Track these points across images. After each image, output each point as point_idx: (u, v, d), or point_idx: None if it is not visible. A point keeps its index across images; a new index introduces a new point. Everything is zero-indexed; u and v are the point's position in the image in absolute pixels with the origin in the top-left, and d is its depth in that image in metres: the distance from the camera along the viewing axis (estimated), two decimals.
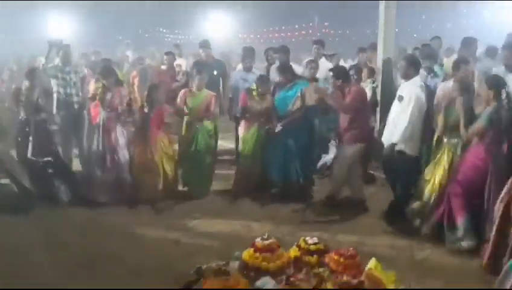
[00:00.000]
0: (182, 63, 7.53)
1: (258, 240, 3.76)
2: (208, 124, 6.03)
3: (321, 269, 3.48)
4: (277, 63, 6.86)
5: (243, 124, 6.14)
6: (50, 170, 5.68)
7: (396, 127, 5.04)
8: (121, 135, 5.78)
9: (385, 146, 5.22)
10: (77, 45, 16.13)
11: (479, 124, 4.44)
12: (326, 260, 3.69)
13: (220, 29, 21.04)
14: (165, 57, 7.30)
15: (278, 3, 17.98)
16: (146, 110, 5.75)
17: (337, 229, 5.03)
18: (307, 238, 3.93)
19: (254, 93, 6.02)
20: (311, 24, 18.81)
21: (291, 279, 3.48)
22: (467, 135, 4.54)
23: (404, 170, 5.13)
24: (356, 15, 16.83)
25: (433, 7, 13.12)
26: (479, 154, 4.46)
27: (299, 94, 5.80)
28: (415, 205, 4.99)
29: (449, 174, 4.77)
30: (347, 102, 5.42)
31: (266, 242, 3.72)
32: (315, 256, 3.76)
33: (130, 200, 5.64)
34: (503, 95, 4.34)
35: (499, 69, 5.43)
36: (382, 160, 5.48)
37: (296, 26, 19.45)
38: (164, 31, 27.18)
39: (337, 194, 5.77)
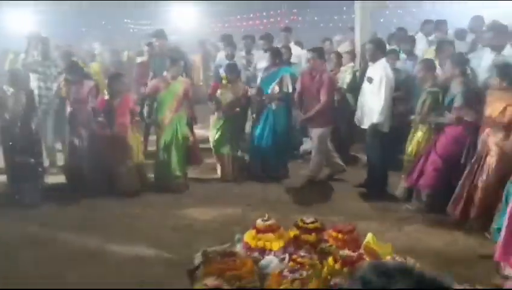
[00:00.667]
0: None
1: (259, 222, 3.90)
2: (184, 113, 6.04)
3: (327, 245, 3.65)
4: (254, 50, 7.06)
5: (215, 113, 6.25)
6: (27, 172, 5.49)
7: (371, 109, 5.30)
8: (85, 128, 5.72)
9: (367, 128, 5.45)
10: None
11: (457, 103, 4.72)
12: (325, 236, 3.88)
13: (187, 19, 20.86)
14: (146, 48, 7.26)
15: None
16: (106, 98, 5.84)
17: (325, 209, 5.25)
18: (304, 217, 4.10)
19: (224, 81, 6.18)
20: (279, 11, 18.88)
21: (294, 256, 3.63)
22: (452, 116, 4.80)
23: (382, 147, 5.43)
24: (324, 2, 17.02)
25: None
26: (458, 129, 4.79)
27: (278, 80, 6.02)
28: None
29: (423, 146, 5.15)
30: (325, 99, 5.73)
31: (267, 223, 3.87)
32: (313, 234, 3.93)
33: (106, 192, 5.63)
34: (468, 71, 4.74)
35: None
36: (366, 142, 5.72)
37: (264, 13, 19.47)
38: (129, 21, 26.63)
39: (316, 176, 6.05)
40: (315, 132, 5.97)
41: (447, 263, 4.03)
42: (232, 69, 6.26)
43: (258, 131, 6.23)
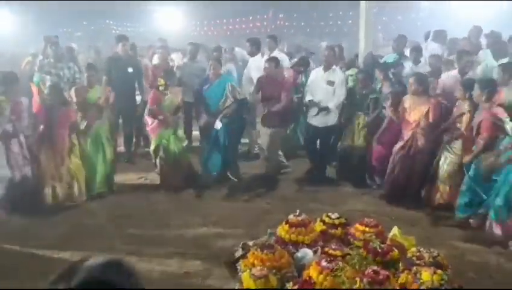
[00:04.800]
0: (176, 58, 7.64)
1: (291, 217, 4.17)
2: (106, 122, 5.91)
3: (372, 237, 3.93)
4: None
5: (156, 121, 6.09)
6: None
7: (330, 109, 6.09)
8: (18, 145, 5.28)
9: (323, 125, 6.17)
10: (21, 38, 15.58)
11: (388, 101, 5.70)
12: (352, 231, 4.18)
13: (171, 21, 20.85)
14: (159, 51, 7.40)
15: None
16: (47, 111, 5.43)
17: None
18: (329, 213, 4.40)
19: (161, 88, 6.04)
20: (265, 16, 19.21)
21: (326, 249, 3.92)
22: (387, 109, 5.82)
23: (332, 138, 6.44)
24: (310, 7, 17.45)
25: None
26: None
27: (228, 90, 6.11)
28: None
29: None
30: (285, 99, 6.21)
31: (299, 218, 4.14)
32: (339, 229, 4.24)
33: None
34: (391, 76, 6.02)
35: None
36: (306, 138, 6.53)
37: (251, 18, 19.77)
38: (111, 22, 26.49)
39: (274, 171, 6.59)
40: (267, 131, 6.32)
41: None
42: (169, 75, 6.21)
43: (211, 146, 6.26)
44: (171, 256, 4.33)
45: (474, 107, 5.04)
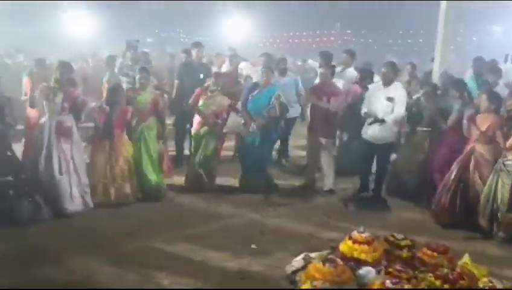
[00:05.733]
0: (245, 67, 7.71)
1: (355, 233, 4.08)
2: (152, 123, 5.90)
3: (445, 262, 3.79)
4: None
5: (196, 121, 6.22)
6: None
7: (388, 126, 5.86)
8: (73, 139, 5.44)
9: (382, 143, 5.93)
10: (93, 43, 16.46)
11: (453, 116, 5.61)
12: (419, 254, 4.02)
13: (238, 32, 21.29)
14: (232, 59, 7.54)
15: (299, 7, 18.30)
16: (107, 110, 5.51)
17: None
18: (394, 234, 4.26)
19: (207, 89, 6.12)
20: (332, 31, 19.15)
21: (390, 270, 3.79)
22: (448, 124, 5.70)
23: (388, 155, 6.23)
24: (378, 24, 17.22)
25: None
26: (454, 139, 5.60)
27: (277, 96, 6.06)
28: None
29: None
30: (335, 104, 6.13)
31: (363, 235, 4.04)
32: (405, 250, 4.09)
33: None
34: (465, 94, 5.75)
35: None
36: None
37: (318, 32, 19.77)
38: (180, 31, 27.47)
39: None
40: (325, 141, 6.27)
41: None
42: (220, 77, 6.25)
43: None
44: (228, 260, 4.36)
45: None
